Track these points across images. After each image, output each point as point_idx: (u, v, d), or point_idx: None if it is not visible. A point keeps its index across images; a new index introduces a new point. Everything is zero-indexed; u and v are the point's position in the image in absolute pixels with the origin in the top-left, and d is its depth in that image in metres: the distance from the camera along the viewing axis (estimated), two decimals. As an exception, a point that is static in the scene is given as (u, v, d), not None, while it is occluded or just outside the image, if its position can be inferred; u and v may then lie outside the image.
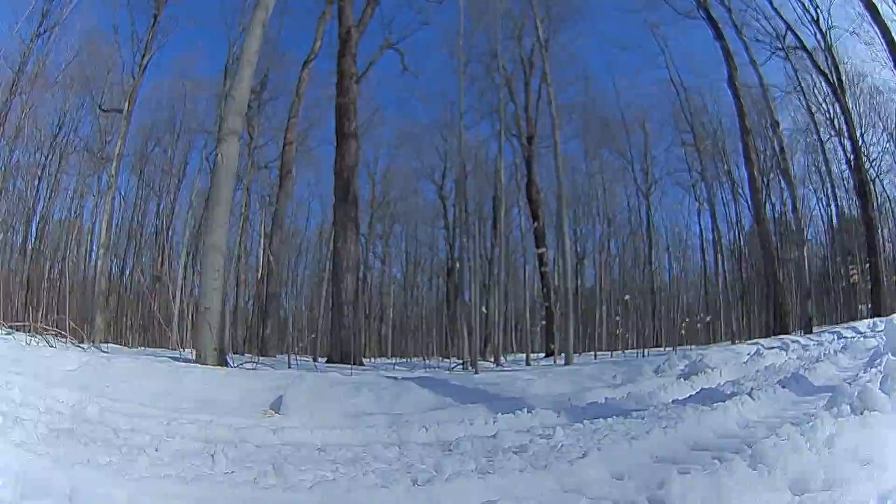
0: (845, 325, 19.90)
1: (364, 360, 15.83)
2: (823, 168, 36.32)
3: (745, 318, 27.52)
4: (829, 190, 37.11)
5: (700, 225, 31.75)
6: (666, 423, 4.48)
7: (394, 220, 30.57)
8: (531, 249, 26.04)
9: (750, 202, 26.86)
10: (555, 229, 28.04)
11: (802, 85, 31.45)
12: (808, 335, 17.09)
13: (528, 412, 5.12)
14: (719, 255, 35.12)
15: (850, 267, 31.71)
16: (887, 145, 38.27)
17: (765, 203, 24.70)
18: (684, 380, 7.71)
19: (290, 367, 10.77)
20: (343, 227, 15.22)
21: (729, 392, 6.12)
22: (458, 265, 24.98)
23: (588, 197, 28.33)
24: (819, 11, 28.54)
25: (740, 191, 34.11)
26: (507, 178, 18.21)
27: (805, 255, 21.24)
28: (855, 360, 8.67)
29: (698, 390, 6.67)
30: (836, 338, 14.71)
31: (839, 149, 32.92)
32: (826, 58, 28.97)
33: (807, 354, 10.22)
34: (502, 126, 18.28)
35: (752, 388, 6.00)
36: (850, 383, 5.07)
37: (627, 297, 29.26)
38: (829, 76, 28.57)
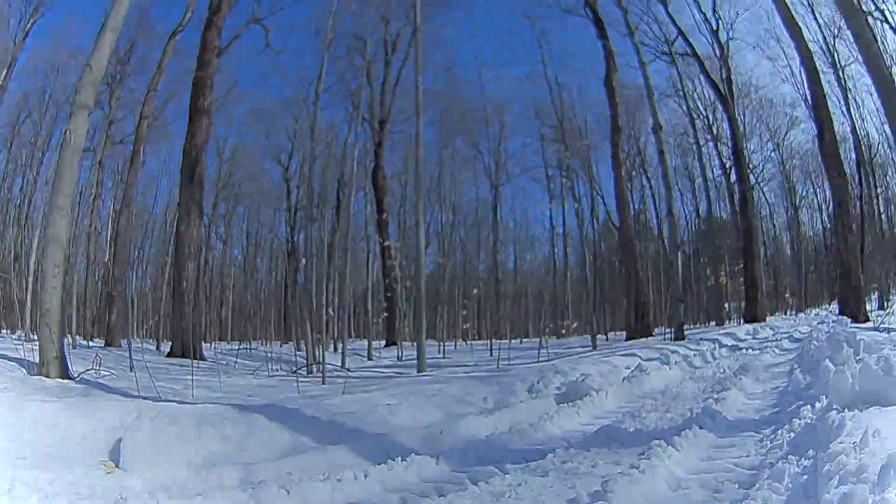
0: (721, 331, 22.39)
1: (206, 347, 17.81)
2: (698, 172, 42.08)
3: (601, 314, 32.44)
4: (703, 193, 42.86)
5: (551, 220, 36.31)
6: (581, 485, 4.21)
7: (238, 201, 34.02)
8: (374, 237, 28.82)
9: (614, 201, 30.18)
10: (399, 217, 32.87)
11: (685, 91, 35.88)
12: (678, 341, 18.97)
13: (402, 461, 4.65)
14: (568, 250, 39.50)
15: (720, 268, 36.45)
16: (771, 154, 44.53)
17: (628, 203, 27.55)
18: (568, 405, 7.65)
19: (131, 369, 10.32)
20: (187, 210, 16.35)
21: (632, 429, 6.07)
22: (298, 249, 27.22)
23: (434, 184, 32.05)
24: (720, 23, 31.55)
25: (599, 188, 38.37)
26: (355, 162, 19.28)
27: (679, 259, 23.62)
28: (759, 382, 9.04)
29: (594, 426, 6.57)
30: (716, 346, 15.84)
31: (714, 154, 38.49)
32: (720, 67, 32.88)
33: (698, 373, 10.56)
34: (358, 109, 19.77)
35: (664, 429, 6.06)
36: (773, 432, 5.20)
37: (476, 290, 31.46)
38: (720, 85, 31.49)
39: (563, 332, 30.52)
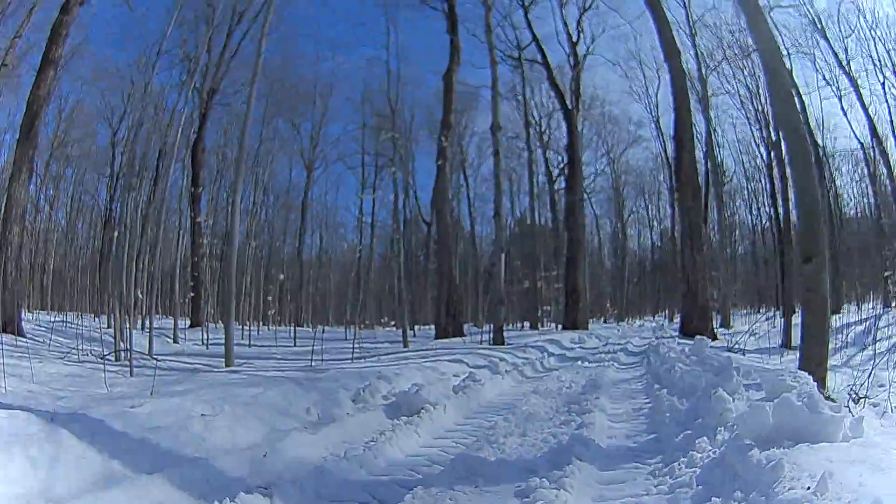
0: (544, 337, 23.44)
1: (27, 318, 18.66)
2: (517, 176, 45.16)
3: (409, 307, 33.86)
4: (519, 198, 45.91)
5: (361, 209, 39.24)
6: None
7: (68, 163, 36.19)
8: (186, 212, 29.85)
9: (430, 196, 34.92)
10: (211, 193, 34.35)
11: (525, 97, 37.98)
12: (497, 345, 19.74)
13: (230, 502, 4.06)
14: (374, 241, 41.51)
15: (536, 273, 38.80)
16: (605, 168, 48.64)
17: (449, 200, 29.72)
18: (403, 421, 7.29)
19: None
20: (20, 168, 16.93)
21: (494, 459, 5.86)
22: (114, 218, 28.38)
23: (251, 162, 33.29)
24: (581, 36, 34.71)
25: (414, 182, 40.60)
26: (180, 131, 19.85)
27: (503, 261, 24.68)
28: (615, 401, 9.27)
29: (441, 450, 6.29)
30: (544, 354, 16.64)
31: (541, 161, 41.59)
32: (572, 79, 34.60)
33: (541, 387, 10.52)
34: (192, 76, 21.00)
35: (532, 458, 5.93)
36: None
37: (282, 275, 32.75)
38: (567, 96, 33.96)
39: (365, 323, 31.96)
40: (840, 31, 28.75)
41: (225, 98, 31.64)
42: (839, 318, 19.03)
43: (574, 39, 34.53)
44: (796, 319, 12.73)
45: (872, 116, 27.55)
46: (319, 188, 40.99)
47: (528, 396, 9.51)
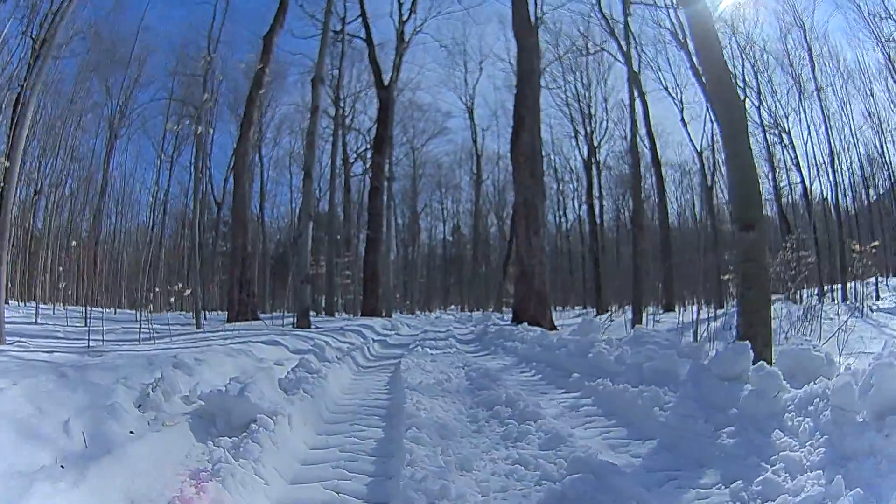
0: (354, 322, 19.98)
1: None
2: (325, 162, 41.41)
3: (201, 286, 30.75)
4: (330, 181, 41.61)
5: (158, 183, 34.70)
6: None
7: None
8: None
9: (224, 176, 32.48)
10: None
11: (341, 74, 34.09)
12: (302, 328, 16.10)
13: None
14: (167, 218, 36.56)
15: (332, 260, 35.25)
16: (402, 158, 45.39)
17: (251, 173, 28.81)
18: (232, 452, 3.66)
19: None
20: None
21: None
22: None
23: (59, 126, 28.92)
24: (414, 17, 32.01)
25: (209, 157, 35.85)
26: None
27: (310, 230, 21.07)
28: (554, 404, 6.63)
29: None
30: (367, 340, 13.82)
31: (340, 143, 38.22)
32: (395, 59, 30.98)
33: (413, 378, 7.47)
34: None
35: None
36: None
37: (75, 242, 28.65)
38: (385, 75, 30.24)
39: (152, 307, 27.04)
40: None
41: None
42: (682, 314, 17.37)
43: (405, 18, 32.03)
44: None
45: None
46: (120, 156, 35.55)
47: (415, 394, 5.97)
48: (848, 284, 21.28)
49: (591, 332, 10.87)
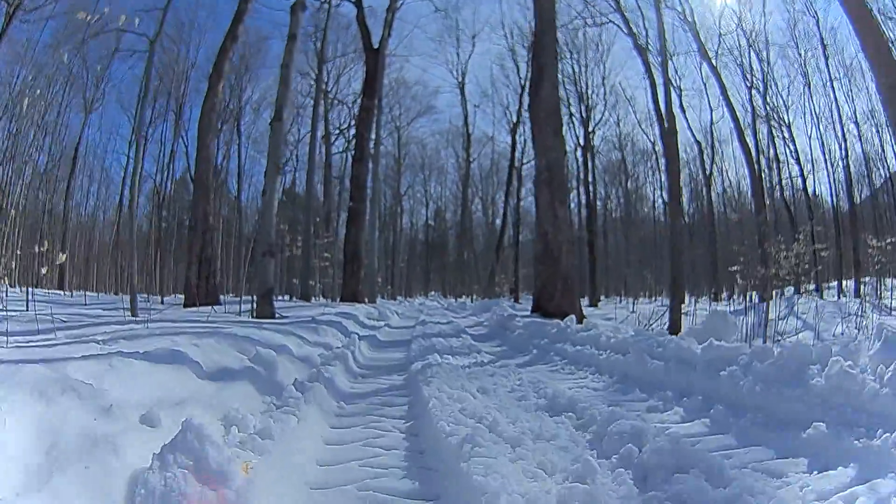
0: (334, 310, 15.22)
1: None
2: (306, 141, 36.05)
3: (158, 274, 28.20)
4: (309, 160, 35.85)
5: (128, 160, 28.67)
6: None
7: None
8: None
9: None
10: None
11: (325, 42, 28.72)
12: (265, 318, 11.40)
13: None
14: (137, 197, 31.54)
15: (309, 241, 30.33)
16: (386, 137, 40.51)
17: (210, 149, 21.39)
18: None
19: None
20: None
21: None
22: None
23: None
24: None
25: (185, 135, 31.17)
26: None
27: (277, 189, 16.60)
28: None
29: None
30: (350, 338, 8.86)
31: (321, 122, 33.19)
32: (386, 9, 26.31)
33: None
34: None
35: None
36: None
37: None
38: (376, 40, 25.14)
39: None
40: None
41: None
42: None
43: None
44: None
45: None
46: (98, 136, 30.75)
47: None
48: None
49: (726, 332, 6.31)
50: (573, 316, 10.83)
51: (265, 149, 34.75)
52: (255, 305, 12.49)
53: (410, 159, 42.77)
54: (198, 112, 21.21)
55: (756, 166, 24.31)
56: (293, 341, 6.54)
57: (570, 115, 30.89)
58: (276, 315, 11.97)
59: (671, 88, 25.62)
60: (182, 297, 20.35)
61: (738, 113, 24.14)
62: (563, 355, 7.68)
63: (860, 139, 23.26)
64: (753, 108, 25.59)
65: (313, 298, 26.32)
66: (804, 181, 25.31)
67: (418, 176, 44.23)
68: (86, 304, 15.13)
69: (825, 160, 24.27)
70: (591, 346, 7.37)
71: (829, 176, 24.35)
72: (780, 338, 9.39)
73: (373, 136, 24.74)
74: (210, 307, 15.17)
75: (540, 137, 14.47)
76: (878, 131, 22.31)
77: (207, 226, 19.19)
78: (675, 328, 12.32)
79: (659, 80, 19.00)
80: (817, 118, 24.36)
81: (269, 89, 33.59)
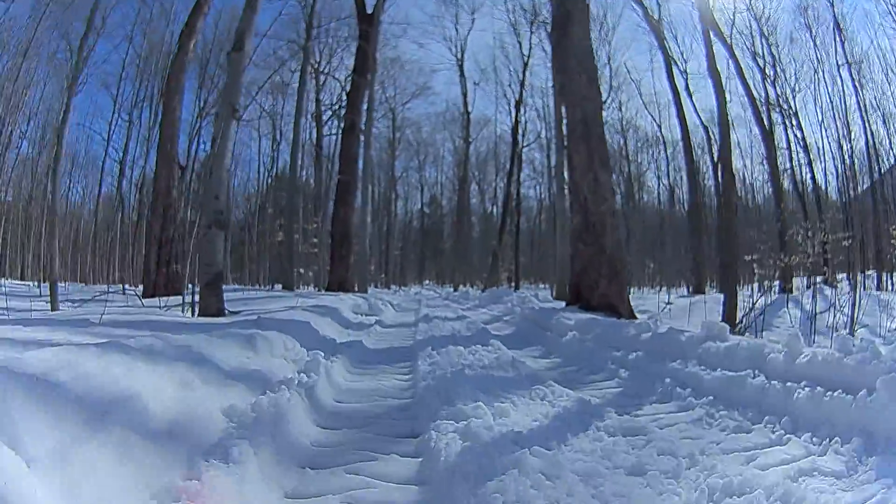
0: (310, 302, 11.56)
1: None
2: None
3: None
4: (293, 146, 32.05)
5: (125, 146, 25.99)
6: None
7: None
8: None
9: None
10: None
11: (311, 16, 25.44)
12: (211, 315, 7.71)
13: None
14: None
15: (294, 226, 26.46)
16: (379, 119, 36.17)
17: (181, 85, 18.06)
18: None
19: None
20: None
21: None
22: None
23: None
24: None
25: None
26: None
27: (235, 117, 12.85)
28: None
29: None
30: (320, 357, 4.98)
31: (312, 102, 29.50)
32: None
33: None
34: None
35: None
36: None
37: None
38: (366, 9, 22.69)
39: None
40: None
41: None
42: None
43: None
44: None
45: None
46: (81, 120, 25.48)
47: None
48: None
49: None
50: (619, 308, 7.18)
51: (261, 134, 31.52)
52: (195, 298, 8.71)
53: (405, 143, 38.76)
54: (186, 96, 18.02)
55: (774, 152, 20.95)
56: (178, 378, 2.78)
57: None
58: (226, 311, 8.22)
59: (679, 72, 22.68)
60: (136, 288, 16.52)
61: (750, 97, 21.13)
62: (686, 383, 4.06)
63: (869, 129, 20.97)
64: (767, 95, 22.51)
65: (303, 287, 22.63)
66: (812, 170, 22.88)
67: (413, 161, 40.24)
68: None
69: (831, 149, 21.99)
70: (757, 370, 3.71)
71: (836, 165, 21.98)
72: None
73: (365, 105, 20.70)
74: (173, 297, 11.70)
75: (571, 87, 10.69)
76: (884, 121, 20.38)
77: (169, 201, 15.49)
78: (731, 320, 8.92)
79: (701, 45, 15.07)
80: (831, 102, 21.63)
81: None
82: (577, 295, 9.59)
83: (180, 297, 12.75)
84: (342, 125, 23.38)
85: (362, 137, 20.60)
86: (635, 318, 8.75)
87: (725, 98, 12.83)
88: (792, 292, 13.86)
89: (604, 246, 9.45)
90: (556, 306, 10.06)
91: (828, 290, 13.95)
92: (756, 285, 17.28)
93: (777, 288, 15.31)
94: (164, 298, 11.63)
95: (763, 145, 21.22)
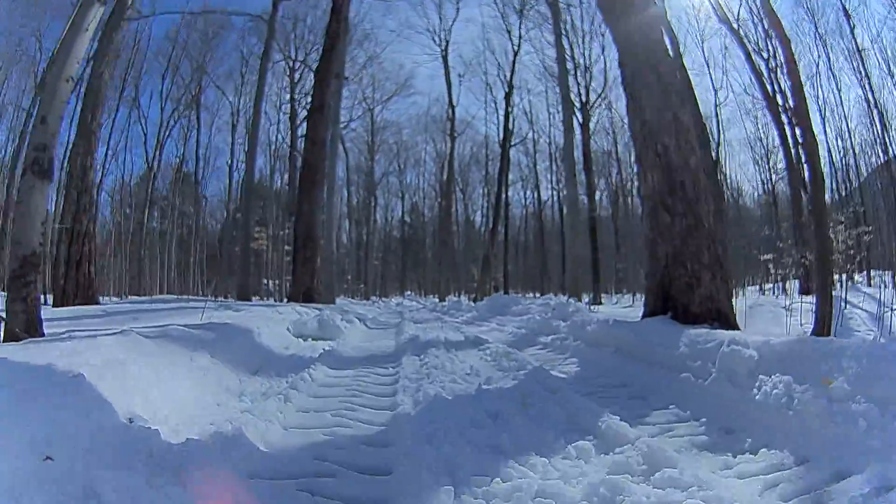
0: (258, 311, 7.33)
1: None
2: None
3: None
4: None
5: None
6: None
7: None
8: None
9: None
10: None
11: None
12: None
13: None
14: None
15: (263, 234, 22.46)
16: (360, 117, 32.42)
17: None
18: None
19: None
20: None
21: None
22: None
23: None
24: None
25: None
26: None
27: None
28: None
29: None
30: None
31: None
32: None
33: None
34: None
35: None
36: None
37: None
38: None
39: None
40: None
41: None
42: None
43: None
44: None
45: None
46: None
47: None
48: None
49: None
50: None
51: (235, 138, 27.49)
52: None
53: (385, 147, 34.75)
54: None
55: (790, 141, 17.79)
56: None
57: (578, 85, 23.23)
58: (42, 331, 4.16)
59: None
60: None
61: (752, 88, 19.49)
62: None
63: (874, 121, 18.85)
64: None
65: (268, 298, 18.40)
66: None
67: (392, 166, 36.11)
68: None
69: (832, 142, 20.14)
70: None
71: (834, 159, 20.31)
72: None
73: (335, 78, 16.50)
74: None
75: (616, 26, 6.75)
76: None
77: (85, 185, 11.42)
78: (825, 330, 5.79)
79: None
80: (838, 91, 19.69)
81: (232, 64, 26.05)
82: (663, 298, 5.59)
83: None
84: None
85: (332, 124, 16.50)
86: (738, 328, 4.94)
87: (804, 92, 9.14)
88: (809, 293, 10.90)
89: (700, 217, 5.49)
90: (626, 318, 6.05)
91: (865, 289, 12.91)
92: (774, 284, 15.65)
93: (796, 288, 13.77)
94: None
95: (778, 138, 18.55)
